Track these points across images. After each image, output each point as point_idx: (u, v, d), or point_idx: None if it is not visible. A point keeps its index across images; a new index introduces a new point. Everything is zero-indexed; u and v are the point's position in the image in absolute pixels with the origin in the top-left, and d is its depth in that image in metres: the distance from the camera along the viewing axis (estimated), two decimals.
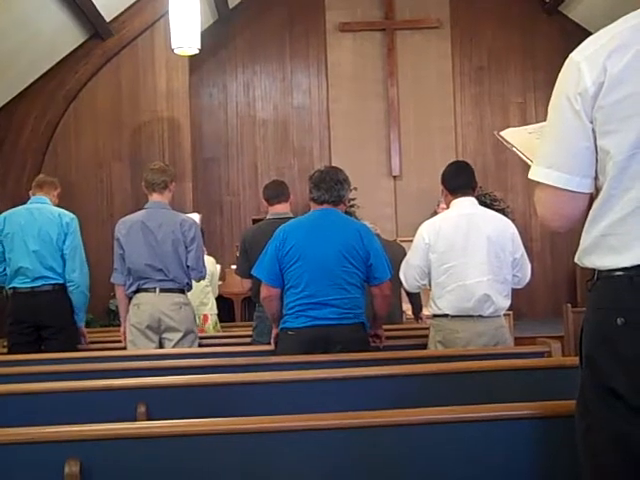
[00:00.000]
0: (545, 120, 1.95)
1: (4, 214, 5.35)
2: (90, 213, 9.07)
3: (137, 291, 4.89)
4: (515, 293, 4.46)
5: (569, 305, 7.22)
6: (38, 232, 5.16)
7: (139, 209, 5.17)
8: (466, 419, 2.30)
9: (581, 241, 1.90)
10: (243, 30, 11.28)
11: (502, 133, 2.24)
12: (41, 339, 5.14)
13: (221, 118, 11.35)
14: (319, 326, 4.06)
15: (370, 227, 4.60)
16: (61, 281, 5.18)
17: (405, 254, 4.64)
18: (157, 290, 4.85)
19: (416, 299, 5.88)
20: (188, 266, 4.93)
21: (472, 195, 4.41)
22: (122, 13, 9.48)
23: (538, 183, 1.92)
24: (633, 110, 1.76)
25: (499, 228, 4.30)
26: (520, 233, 4.44)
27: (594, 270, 1.87)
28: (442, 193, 4.52)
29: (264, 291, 4.26)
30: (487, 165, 11.21)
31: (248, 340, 5.18)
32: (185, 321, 4.90)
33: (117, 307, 5.50)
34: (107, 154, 9.68)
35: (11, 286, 5.18)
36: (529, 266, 4.42)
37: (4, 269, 5.23)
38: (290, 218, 4.63)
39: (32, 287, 5.12)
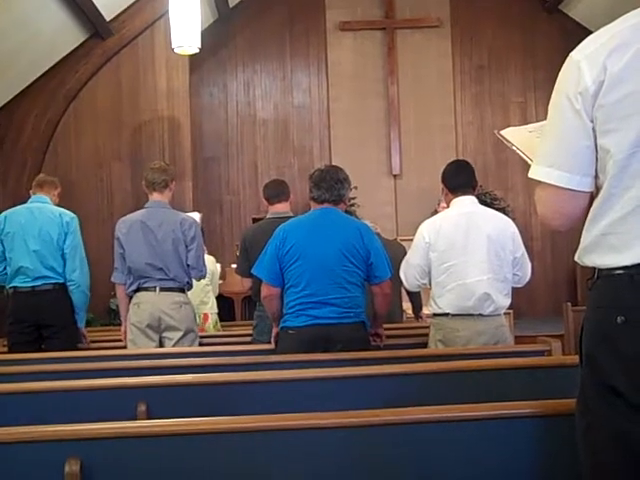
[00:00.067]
0: (545, 119, 1.95)
1: (4, 213, 5.35)
2: (90, 212, 9.07)
3: (137, 290, 4.89)
4: (515, 292, 4.46)
5: (569, 304, 7.22)
6: (39, 232, 5.16)
7: (139, 208, 5.17)
8: (466, 418, 2.30)
9: (581, 240, 1.90)
10: (243, 29, 11.28)
11: (502, 132, 2.24)
12: (41, 338, 5.13)
13: (221, 117, 11.35)
14: (319, 325, 4.06)
15: (370, 226, 4.60)
16: (61, 280, 5.17)
17: (405, 253, 4.64)
18: (157, 289, 4.85)
19: (416, 298, 5.88)
20: (188, 265, 4.93)
21: (472, 194, 4.41)
22: (122, 12, 9.49)
23: (539, 182, 1.92)
24: (633, 109, 1.77)
25: (499, 227, 4.30)
26: (520, 232, 4.44)
27: (594, 269, 1.87)
28: (442, 192, 4.52)
29: (264, 290, 4.27)
30: (487, 164, 11.21)
31: (248, 339, 5.18)
32: (185, 320, 4.90)
33: (117, 306, 5.50)
34: (107, 153, 9.68)
35: (11, 285, 5.18)
36: (529, 265, 4.42)
37: (4, 268, 5.23)
38: (290, 217, 4.63)
39: (33, 286, 5.12)
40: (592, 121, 1.82)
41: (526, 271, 4.39)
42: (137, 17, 9.56)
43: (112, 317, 8.94)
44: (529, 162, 2.01)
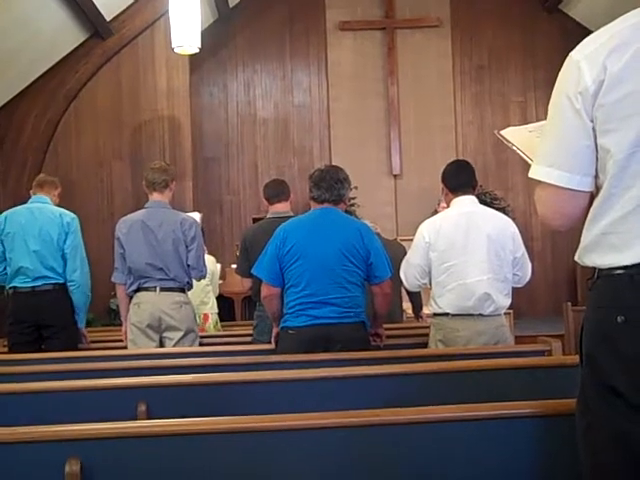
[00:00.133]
0: (545, 119, 1.95)
1: (5, 213, 5.35)
2: (91, 212, 9.08)
3: (138, 290, 4.89)
4: (515, 292, 4.46)
5: (569, 304, 7.22)
6: (39, 232, 5.15)
7: (139, 208, 5.17)
8: (467, 418, 2.30)
9: (581, 239, 1.90)
10: (243, 29, 11.28)
11: (502, 132, 2.24)
12: (41, 338, 5.13)
13: (221, 117, 11.35)
14: (319, 325, 4.06)
15: (370, 226, 4.60)
16: (62, 281, 5.17)
17: (405, 253, 4.64)
18: (157, 289, 4.85)
19: (416, 298, 5.88)
20: (189, 265, 4.93)
21: (472, 194, 4.41)
22: (122, 12, 9.49)
23: (539, 182, 1.92)
24: (633, 109, 1.77)
25: (499, 227, 4.30)
26: (521, 232, 4.44)
27: (594, 268, 1.87)
28: (442, 192, 4.52)
29: (264, 290, 4.27)
30: (487, 164, 11.20)
31: (248, 339, 5.18)
32: (186, 320, 4.90)
33: (118, 306, 5.50)
34: (107, 153, 9.68)
35: (11, 285, 5.18)
36: (529, 265, 4.42)
37: (4, 268, 5.23)
38: (290, 217, 4.63)
39: (33, 287, 5.12)
40: (592, 121, 1.82)
41: (526, 271, 4.39)
42: (137, 17, 9.56)
43: (112, 317, 8.94)
44: (529, 162, 2.01)
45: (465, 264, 4.20)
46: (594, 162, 1.86)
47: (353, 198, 9.64)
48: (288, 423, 2.28)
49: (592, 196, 1.90)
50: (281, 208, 5.17)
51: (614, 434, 1.78)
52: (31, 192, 5.45)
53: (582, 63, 1.81)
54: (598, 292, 1.86)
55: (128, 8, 9.51)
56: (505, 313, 4.44)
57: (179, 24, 8.08)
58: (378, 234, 4.96)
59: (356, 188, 8.03)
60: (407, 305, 6.15)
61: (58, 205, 5.41)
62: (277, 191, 5.25)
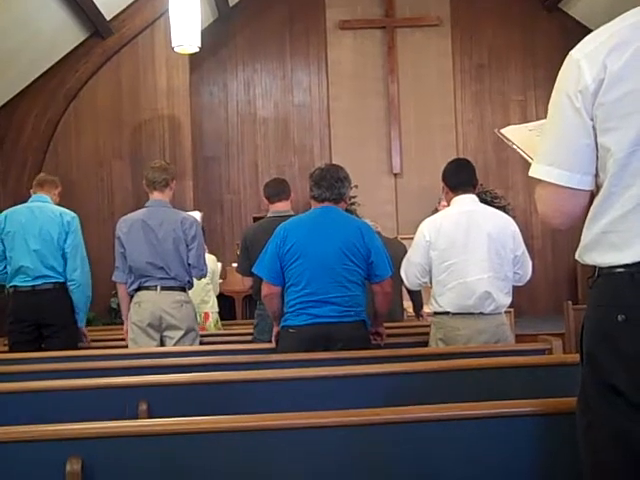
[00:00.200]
0: (545, 118, 1.95)
1: (5, 212, 5.35)
2: (91, 212, 9.08)
3: (138, 289, 4.89)
4: (516, 290, 4.46)
5: (570, 302, 7.22)
6: (39, 231, 5.15)
7: (140, 207, 5.17)
8: (467, 416, 2.30)
9: (582, 238, 1.91)
10: (243, 28, 11.28)
11: (502, 131, 2.24)
12: (42, 338, 5.13)
13: (221, 116, 11.35)
14: (320, 324, 4.06)
15: (371, 225, 4.60)
16: (62, 280, 5.17)
17: (406, 252, 4.64)
18: (158, 288, 4.86)
19: (417, 297, 5.88)
20: (189, 264, 4.93)
21: (473, 192, 4.41)
22: (122, 11, 9.49)
23: (539, 181, 1.92)
24: (633, 107, 1.77)
25: (499, 225, 4.30)
26: (521, 230, 4.44)
27: (595, 267, 1.87)
28: (443, 190, 4.53)
29: (265, 289, 4.27)
30: (488, 163, 11.20)
31: (249, 338, 5.18)
32: (186, 319, 4.91)
33: (119, 305, 5.50)
34: (108, 152, 9.69)
35: (12, 284, 5.18)
36: (530, 263, 4.42)
37: (4, 267, 5.23)
38: (291, 216, 4.62)
39: (33, 286, 5.12)
40: (592, 119, 1.82)
41: (527, 269, 4.39)
42: (137, 16, 9.56)
43: (113, 316, 8.94)
44: (529, 161, 2.01)
45: (466, 263, 4.20)
46: (594, 161, 1.86)
47: (353, 197, 9.64)
48: (288, 422, 2.28)
49: (592, 195, 1.90)
50: (281, 207, 5.17)
51: (614, 433, 1.78)
52: (31, 191, 5.45)
53: (582, 62, 1.81)
54: (598, 291, 1.86)
55: (128, 7, 9.51)
56: (506, 312, 4.44)
57: (179, 23, 8.08)
58: (378, 233, 4.96)
59: (356, 187, 8.03)
60: (408, 304, 6.15)
61: (58, 204, 5.41)
62: (277, 190, 5.24)
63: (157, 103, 9.70)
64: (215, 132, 11.29)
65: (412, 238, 4.46)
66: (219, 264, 7.50)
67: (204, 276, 5.23)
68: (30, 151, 9.29)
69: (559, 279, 11.19)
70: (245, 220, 10.82)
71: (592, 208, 1.88)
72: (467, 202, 4.34)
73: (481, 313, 4.21)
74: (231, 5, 11.08)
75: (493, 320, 4.25)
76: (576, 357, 2.02)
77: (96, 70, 9.61)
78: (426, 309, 5.60)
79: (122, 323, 5.19)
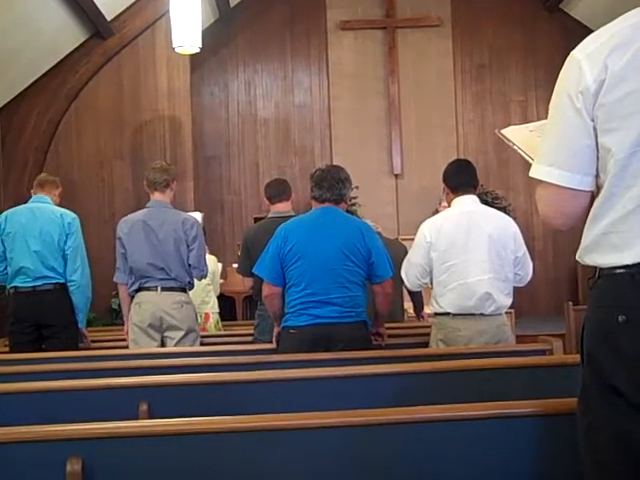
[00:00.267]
0: (546, 118, 1.95)
1: (5, 213, 5.35)
2: (92, 212, 9.08)
3: (139, 290, 4.89)
4: (517, 291, 4.46)
5: (570, 303, 7.22)
6: (39, 232, 5.15)
7: (141, 208, 5.17)
8: (467, 417, 2.30)
9: (582, 239, 1.90)
10: (244, 29, 11.28)
11: (503, 131, 2.24)
12: (42, 338, 5.13)
13: (222, 117, 11.35)
14: (321, 324, 4.06)
15: (371, 225, 4.60)
16: (62, 281, 5.17)
17: (406, 252, 4.65)
18: (159, 289, 4.86)
19: (417, 297, 5.88)
20: (190, 265, 4.93)
21: (473, 193, 4.41)
22: (123, 12, 9.49)
23: (539, 181, 1.92)
24: (634, 108, 1.77)
25: (500, 226, 4.30)
26: (522, 231, 4.44)
27: (595, 268, 1.87)
28: (443, 191, 4.52)
29: (265, 289, 4.27)
30: (489, 163, 11.20)
31: (250, 339, 5.18)
32: (187, 320, 4.90)
33: (119, 306, 5.50)
34: (108, 153, 9.69)
35: (12, 285, 5.18)
36: (531, 264, 4.42)
37: (5, 268, 5.22)
38: (292, 217, 4.63)
39: (33, 286, 5.12)
40: (593, 120, 1.82)
41: (527, 270, 4.39)
42: (138, 17, 9.57)
43: (114, 317, 8.95)
44: (530, 161, 2.01)
45: (466, 263, 4.20)
46: (595, 161, 1.86)
47: (354, 198, 9.63)
48: (289, 422, 2.28)
49: (593, 195, 1.90)
50: (282, 208, 5.17)
51: (615, 433, 1.78)
52: (32, 192, 5.44)
53: (583, 62, 1.81)
54: (599, 291, 1.86)
55: (129, 8, 9.52)
56: (506, 312, 4.44)
57: (180, 24, 8.08)
58: (379, 233, 4.96)
59: (357, 188, 8.02)
60: (408, 304, 6.15)
61: (59, 205, 5.41)
62: (278, 191, 5.25)
63: (158, 103, 9.70)
64: (216, 132, 11.30)
65: (413, 239, 4.46)
66: (220, 265, 7.51)
67: (205, 277, 5.23)
68: (31, 151, 9.29)
69: (560, 280, 11.19)
70: (246, 221, 10.82)
71: (593, 209, 1.88)
72: (468, 203, 4.34)
73: (482, 314, 4.20)
74: (232, 5, 11.08)
75: (494, 321, 4.25)
76: (577, 358, 2.02)
77: (97, 70, 9.62)
78: (427, 310, 5.60)
79: (123, 324, 5.19)
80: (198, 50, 8.38)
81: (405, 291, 5.48)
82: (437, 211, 6.49)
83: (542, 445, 2.29)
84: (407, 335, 4.86)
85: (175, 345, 4.83)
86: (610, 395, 1.79)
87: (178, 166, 8.95)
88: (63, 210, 5.31)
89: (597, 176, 1.87)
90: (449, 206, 4.45)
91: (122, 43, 9.61)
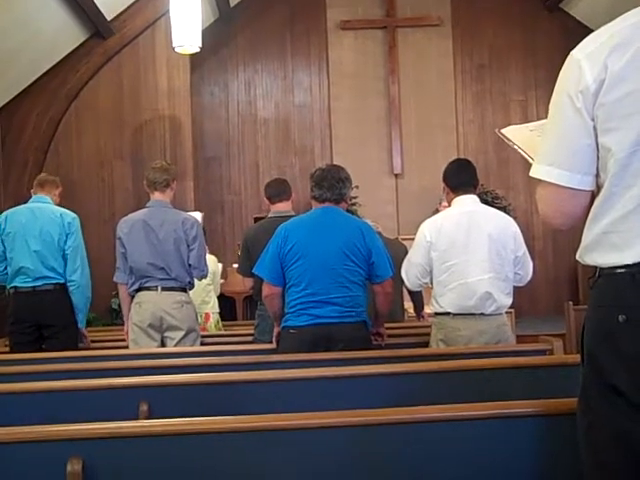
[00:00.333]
0: (546, 118, 1.95)
1: (5, 213, 5.35)
2: (92, 212, 9.09)
3: (139, 290, 4.89)
4: (517, 291, 4.46)
5: (571, 303, 7.22)
6: (39, 232, 5.15)
7: (141, 208, 5.17)
8: (468, 417, 2.30)
9: (582, 238, 1.90)
10: (244, 28, 11.28)
11: (503, 131, 2.24)
12: (42, 338, 5.13)
13: (222, 117, 11.35)
14: (321, 324, 4.06)
15: (372, 225, 4.60)
16: (62, 281, 5.17)
17: (406, 252, 4.65)
18: (159, 289, 4.85)
19: (418, 297, 5.88)
20: (190, 265, 4.92)
21: (474, 193, 4.41)
22: (123, 12, 9.50)
23: (539, 181, 1.92)
24: (634, 108, 1.76)
25: (500, 226, 4.30)
26: (522, 231, 4.44)
27: (596, 268, 1.87)
28: (444, 191, 4.52)
29: (266, 289, 4.27)
30: (489, 163, 11.21)
31: (250, 339, 5.18)
32: (187, 320, 4.90)
33: (119, 306, 5.50)
34: (109, 153, 9.69)
35: (12, 285, 5.18)
36: (531, 264, 4.42)
37: (5, 268, 5.22)
38: (292, 216, 4.63)
39: (33, 286, 5.12)
40: (593, 120, 1.82)
41: (527, 270, 4.38)
42: (138, 16, 9.57)
43: (114, 317, 8.95)
44: (530, 161, 2.01)
45: (466, 263, 4.20)
46: (595, 161, 1.86)
47: (354, 197, 9.63)
48: (289, 423, 2.28)
49: (593, 195, 1.90)
50: (282, 207, 5.17)
51: (615, 433, 1.78)
52: (32, 192, 5.44)
53: (583, 62, 1.81)
54: (599, 291, 1.85)
55: (129, 7, 9.52)
56: (506, 312, 4.44)
57: (180, 23, 8.09)
58: (379, 233, 4.96)
59: (357, 187, 8.02)
60: (408, 304, 6.15)
61: (59, 205, 5.41)
62: (278, 190, 5.25)
63: (158, 103, 9.70)
64: (216, 132, 11.30)
65: (413, 239, 4.46)
66: (220, 265, 7.51)
67: (205, 277, 5.23)
68: (31, 151, 9.30)
69: (560, 279, 11.19)
70: (246, 221, 10.82)
71: (593, 208, 1.87)
72: (468, 203, 4.34)
73: (482, 314, 4.20)
74: (232, 5, 11.08)
75: (494, 321, 4.25)
76: (577, 358, 2.02)
77: (97, 70, 9.62)
78: (427, 310, 5.60)
79: (123, 324, 5.19)
80: (198, 50, 8.38)
81: (405, 291, 5.48)
82: (437, 211, 6.50)
83: (542, 445, 2.29)
84: (407, 335, 4.85)
85: (175, 345, 4.83)
86: (610, 395, 1.79)
87: (178, 166, 8.95)
88: (63, 210, 5.31)
89: (597, 175, 1.87)
90: (449, 206, 4.45)
91: (122, 43, 9.62)
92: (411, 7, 11.26)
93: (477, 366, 3.37)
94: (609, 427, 1.79)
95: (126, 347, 4.91)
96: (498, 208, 5.25)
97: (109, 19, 9.26)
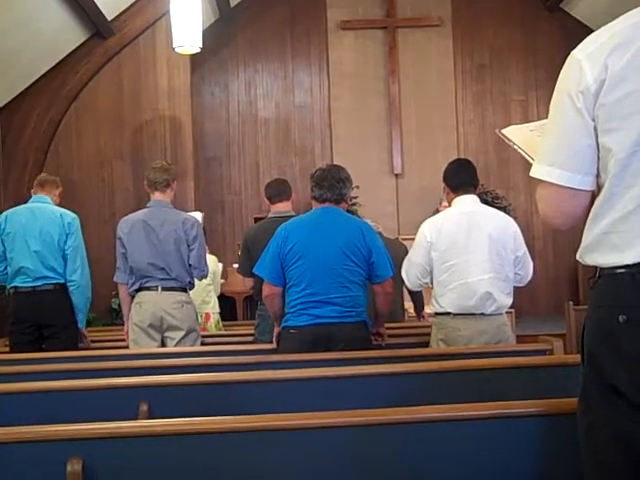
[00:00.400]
0: (547, 118, 1.95)
1: (5, 213, 5.35)
2: (92, 212, 9.09)
3: (139, 290, 4.88)
4: (517, 291, 4.46)
5: (571, 303, 7.22)
6: (39, 232, 5.15)
7: (141, 208, 5.17)
8: (468, 417, 2.30)
9: (583, 239, 1.90)
10: (244, 29, 11.28)
11: (504, 131, 2.24)
12: (42, 338, 5.13)
13: (223, 117, 11.35)
14: (321, 324, 4.06)
15: (372, 225, 4.60)
16: (62, 281, 5.17)
17: (407, 252, 4.65)
18: (159, 289, 4.85)
19: (418, 297, 5.88)
20: (190, 265, 4.92)
21: (474, 193, 4.41)
22: (123, 12, 9.50)
23: (540, 181, 1.92)
24: (635, 108, 1.76)
25: (500, 226, 4.30)
26: (522, 231, 4.44)
27: (596, 268, 1.87)
28: (444, 191, 4.52)
29: (266, 289, 4.27)
30: (489, 163, 11.21)
31: (250, 339, 5.18)
32: (187, 320, 4.90)
33: (119, 306, 5.49)
34: (109, 153, 9.69)
35: (12, 285, 5.18)
36: (531, 264, 4.42)
37: (5, 268, 5.22)
38: (292, 216, 4.63)
39: (33, 286, 5.12)
40: (593, 120, 1.82)
41: (528, 270, 4.38)
42: (138, 16, 9.57)
43: (114, 317, 8.95)
44: (530, 161, 2.01)
45: (467, 263, 4.20)
46: (595, 161, 1.85)
47: (355, 197, 9.63)
48: (289, 423, 2.28)
49: (593, 195, 1.90)
50: (283, 208, 5.17)
51: (615, 433, 1.78)
52: (32, 192, 5.44)
53: (583, 62, 1.81)
54: (600, 291, 1.85)
55: (129, 8, 9.52)
56: (507, 312, 4.44)
57: (180, 24, 8.08)
58: (379, 233, 4.95)
59: (357, 187, 8.01)
60: (409, 304, 6.15)
61: (59, 205, 5.41)
62: (279, 190, 5.25)
63: (158, 103, 9.70)
64: (216, 133, 11.30)
65: (413, 239, 4.46)
66: (220, 265, 7.51)
67: (205, 277, 5.23)
68: (31, 151, 9.30)
69: (560, 280, 11.19)
70: (246, 221, 10.83)
71: (593, 209, 1.87)
72: (468, 203, 4.34)
73: (482, 314, 4.20)
74: (232, 5, 11.08)
75: (494, 321, 4.25)
76: (577, 358, 2.01)
77: (97, 70, 9.62)
78: (427, 310, 5.60)
79: (123, 324, 5.19)
80: (198, 50, 8.38)
81: (405, 291, 5.48)
82: (437, 211, 6.50)
83: (542, 445, 2.29)
84: (407, 335, 4.86)
85: (175, 345, 4.83)
86: (610, 395, 1.78)
87: (178, 166, 8.95)
88: (63, 210, 5.31)
89: (598, 176, 1.87)
90: (449, 206, 4.45)
91: (122, 43, 9.62)
92: (411, 7, 11.26)
93: (477, 366, 3.37)
94: (609, 427, 1.79)
95: (126, 347, 4.91)
96: (498, 208, 5.26)
97: (109, 19, 9.26)
